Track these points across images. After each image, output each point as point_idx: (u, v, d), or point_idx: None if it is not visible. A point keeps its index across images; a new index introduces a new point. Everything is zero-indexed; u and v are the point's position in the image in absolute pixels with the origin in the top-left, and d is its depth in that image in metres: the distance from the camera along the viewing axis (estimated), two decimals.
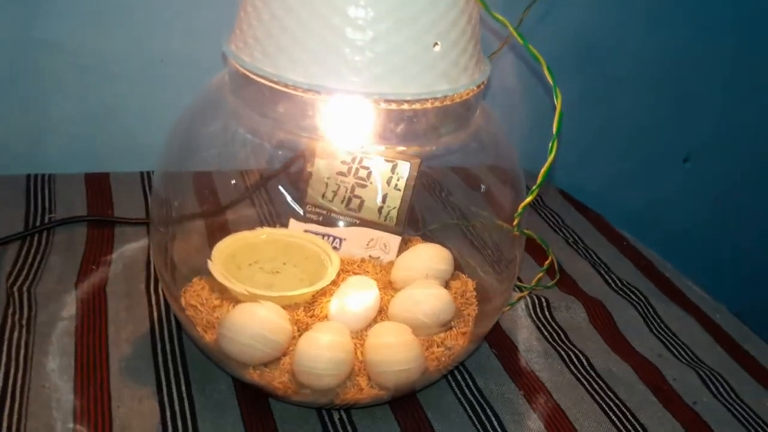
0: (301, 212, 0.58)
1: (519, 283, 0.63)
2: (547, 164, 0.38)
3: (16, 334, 0.50)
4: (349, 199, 0.58)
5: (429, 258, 0.54)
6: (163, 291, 0.56)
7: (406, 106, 0.39)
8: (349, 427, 0.46)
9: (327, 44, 0.37)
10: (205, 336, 0.47)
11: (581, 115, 0.89)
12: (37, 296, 0.54)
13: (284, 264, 0.56)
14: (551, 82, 0.36)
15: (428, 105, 0.39)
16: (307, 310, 0.50)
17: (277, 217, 0.61)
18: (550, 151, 0.37)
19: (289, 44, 0.38)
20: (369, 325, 0.49)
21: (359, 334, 0.48)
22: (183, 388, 0.48)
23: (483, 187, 0.52)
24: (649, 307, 0.63)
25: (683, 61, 0.91)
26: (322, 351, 0.43)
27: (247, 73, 0.40)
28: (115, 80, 0.71)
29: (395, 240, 0.57)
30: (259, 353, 0.44)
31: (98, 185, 0.71)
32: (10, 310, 0.52)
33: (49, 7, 0.65)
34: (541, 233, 0.73)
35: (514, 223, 0.44)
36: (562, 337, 0.58)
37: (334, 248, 0.57)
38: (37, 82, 0.69)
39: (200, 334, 0.47)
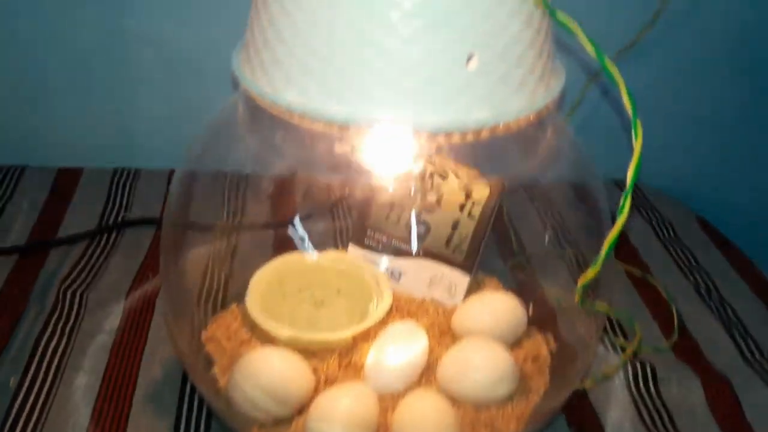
0: (364, 237, 0.51)
1: (623, 341, 0.51)
2: (616, 230, 0.27)
3: (53, 343, 0.48)
4: (415, 225, 0.50)
5: (497, 310, 0.45)
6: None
7: (470, 137, 0.31)
8: None
9: (368, 67, 0.29)
10: (221, 380, 0.42)
11: (735, 122, 0.73)
12: (87, 302, 0.53)
13: (338, 291, 0.49)
14: (630, 111, 0.26)
15: (497, 131, 0.30)
16: (343, 357, 0.43)
17: (340, 239, 0.55)
18: (621, 211, 0.27)
19: (324, 70, 0.30)
20: (410, 387, 0.41)
21: (395, 396, 0.40)
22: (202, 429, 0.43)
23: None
24: None
25: None
26: (334, 424, 0.36)
27: (279, 113, 0.32)
28: (202, 75, 0.68)
29: (463, 280, 0.48)
30: (264, 409, 0.38)
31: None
32: (55, 317, 0.50)
33: (136, 3, 0.64)
34: (666, 275, 0.60)
35: (576, 299, 0.34)
36: (666, 421, 0.46)
37: (393, 281, 0.49)
38: (127, 74, 0.68)
39: (216, 376, 0.42)
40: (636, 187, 0.75)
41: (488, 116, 0.30)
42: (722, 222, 0.69)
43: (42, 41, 0.65)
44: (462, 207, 0.48)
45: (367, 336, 0.44)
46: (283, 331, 0.43)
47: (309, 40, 0.30)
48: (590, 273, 0.30)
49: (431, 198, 0.49)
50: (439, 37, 0.28)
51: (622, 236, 0.66)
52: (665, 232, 0.66)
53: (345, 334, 0.43)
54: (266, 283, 0.48)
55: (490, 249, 0.54)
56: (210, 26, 0.65)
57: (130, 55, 0.67)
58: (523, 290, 0.51)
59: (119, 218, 0.62)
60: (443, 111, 0.29)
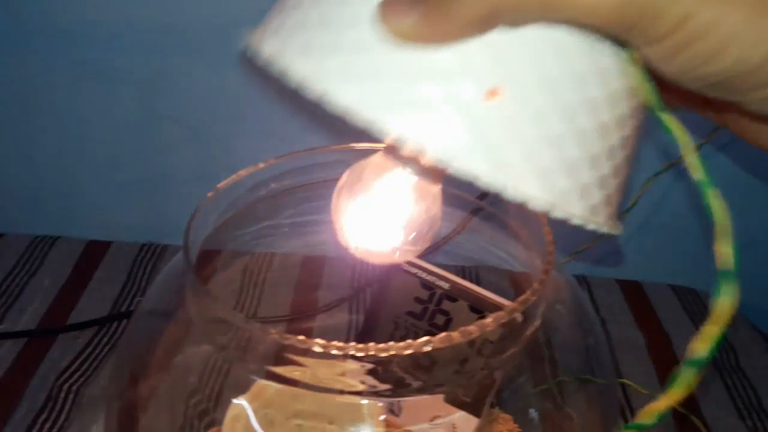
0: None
1: None
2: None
3: None
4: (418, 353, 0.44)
5: None
6: None
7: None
8: None
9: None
10: None
11: None
12: (81, 399, 0.51)
13: (330, 425, 0.45)
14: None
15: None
16: None
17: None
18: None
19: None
20: None
21: None
22: None
23: None
24: None
25: None
26: None
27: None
28: (234, 158, 0.66)
29: (468, 423, 0.43)
30: None
31: (205, 263, 0.67)
32: (42, 417, 0.49)
33: (169, 85, 0.63)
34: (719, 416, 0.51)
35: None
36: None
37: (392, 413, 0.44)
38: (160, 152, 0.67)
39: None
40: (693, 291, 0.65)
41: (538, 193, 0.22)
42: None
43: (80, 116, 0.66)
44: (471, 343, 0.43)
45: None
46: None
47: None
48: None
49: (439, 321, 0.44)
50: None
51: (671, 354, 0.57)
52: (725, 357, 0.57)
53: None
54: (260, 404, 0.44)
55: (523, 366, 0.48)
56: (245, 115, 0.64)
57: (162, 135, 0.66)
58: (547, 424, 0.45)
59: (133, 302, 0.61)
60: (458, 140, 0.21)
